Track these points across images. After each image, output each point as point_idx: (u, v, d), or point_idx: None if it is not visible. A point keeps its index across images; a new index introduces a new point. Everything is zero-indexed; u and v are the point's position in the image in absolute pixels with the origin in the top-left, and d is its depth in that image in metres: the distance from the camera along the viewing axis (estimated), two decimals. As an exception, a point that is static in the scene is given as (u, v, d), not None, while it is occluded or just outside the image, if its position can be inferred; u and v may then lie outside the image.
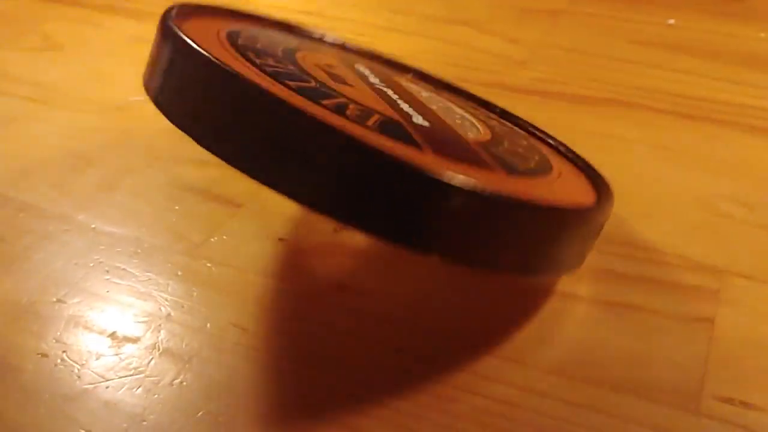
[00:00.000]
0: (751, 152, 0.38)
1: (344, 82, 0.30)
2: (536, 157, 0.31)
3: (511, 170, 0.27)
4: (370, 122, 0.24)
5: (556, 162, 0.32)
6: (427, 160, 0.23)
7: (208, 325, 0.29)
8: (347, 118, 0.24)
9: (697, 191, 0.35)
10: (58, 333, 0.29)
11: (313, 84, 0.26)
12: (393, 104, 0.30)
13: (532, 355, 0.28)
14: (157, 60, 0.25)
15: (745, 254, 0.32)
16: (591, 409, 0.26)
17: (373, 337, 0.29)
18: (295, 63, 0.30)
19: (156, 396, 0.27)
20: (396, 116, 0.27)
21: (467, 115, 0.33)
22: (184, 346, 0.29)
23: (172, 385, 0.27)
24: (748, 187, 0.35)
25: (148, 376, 0.27)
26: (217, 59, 0.22)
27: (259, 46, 0.30)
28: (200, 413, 0.26)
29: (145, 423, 0.26)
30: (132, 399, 0.27)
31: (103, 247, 0.33)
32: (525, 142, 0.33)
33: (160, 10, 0.28)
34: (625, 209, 0.34)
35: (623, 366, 0.27)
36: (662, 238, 0.33)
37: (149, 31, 0.49)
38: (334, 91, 0.27)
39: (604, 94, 0.43)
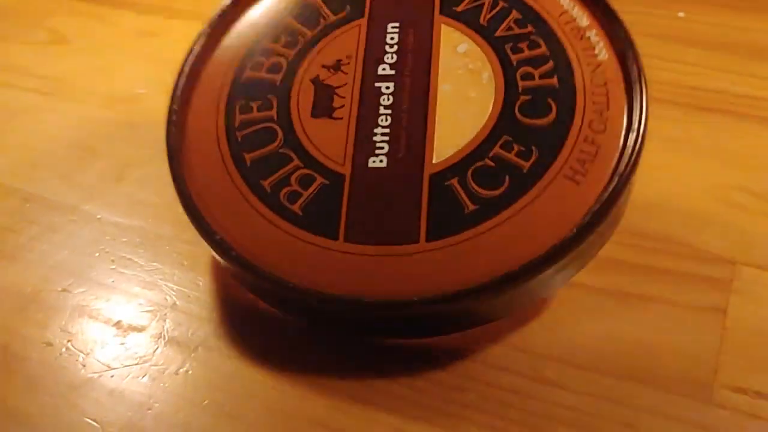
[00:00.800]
0: (763, 143, 0.37)
1: (329, 106, 0.28)
2: (523, 170, 0.27)
3: (437, 232, 0.26)
4: (299, 203, 0.27)
5: (568, 168, 0.27)
6: (323, 265, 0.26)
7: (214, 314, 0.29)
8: (275, 207, 0.27)
9: (709, 182, 0.35)
10: (63, 322, 0.29)
11: (273, 146, 0.28)
12: (366, 132, 0.28)
13: (541, 345, 0.27)
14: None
15: (758, 244, 0.31)
16: (601, 399, 0.26)
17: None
18: (287, 90, 0.29)
19: (161, 385, 0.27)
20: (345, 167, 0.27)
21: (490, 83, 0.28)
22: (189, 335, 0.28)
23: (178, 374, 0.27)
24: (761, 177, 0.35)
25: (153, 365, 0.27)
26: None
27: (262, 73, 0.30)
28: (206, 402, 0.26)
29: (150, 411, 0.26)
30: (137, 387, 0.26)
31: (108, 237, 0.33)
32: (538, 140, 0.27)
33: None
34: (636, 200, 0.33)
35: (634, 356, 0.27)
36: (674, 229, 0.32)
37: (155, 24, 0.50)
38: (295, 147, 0.28)
39: (613, 85, 0.42)
